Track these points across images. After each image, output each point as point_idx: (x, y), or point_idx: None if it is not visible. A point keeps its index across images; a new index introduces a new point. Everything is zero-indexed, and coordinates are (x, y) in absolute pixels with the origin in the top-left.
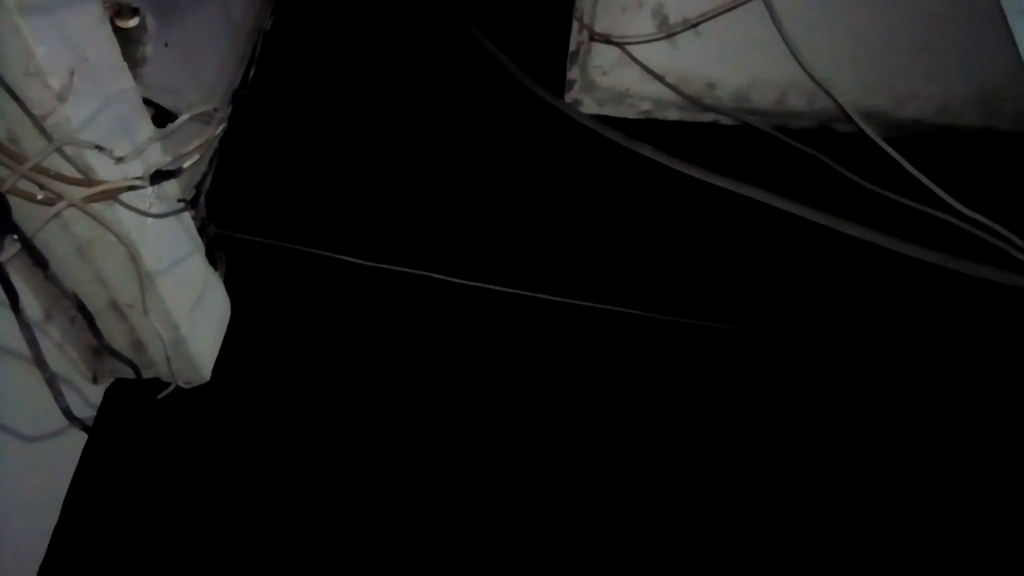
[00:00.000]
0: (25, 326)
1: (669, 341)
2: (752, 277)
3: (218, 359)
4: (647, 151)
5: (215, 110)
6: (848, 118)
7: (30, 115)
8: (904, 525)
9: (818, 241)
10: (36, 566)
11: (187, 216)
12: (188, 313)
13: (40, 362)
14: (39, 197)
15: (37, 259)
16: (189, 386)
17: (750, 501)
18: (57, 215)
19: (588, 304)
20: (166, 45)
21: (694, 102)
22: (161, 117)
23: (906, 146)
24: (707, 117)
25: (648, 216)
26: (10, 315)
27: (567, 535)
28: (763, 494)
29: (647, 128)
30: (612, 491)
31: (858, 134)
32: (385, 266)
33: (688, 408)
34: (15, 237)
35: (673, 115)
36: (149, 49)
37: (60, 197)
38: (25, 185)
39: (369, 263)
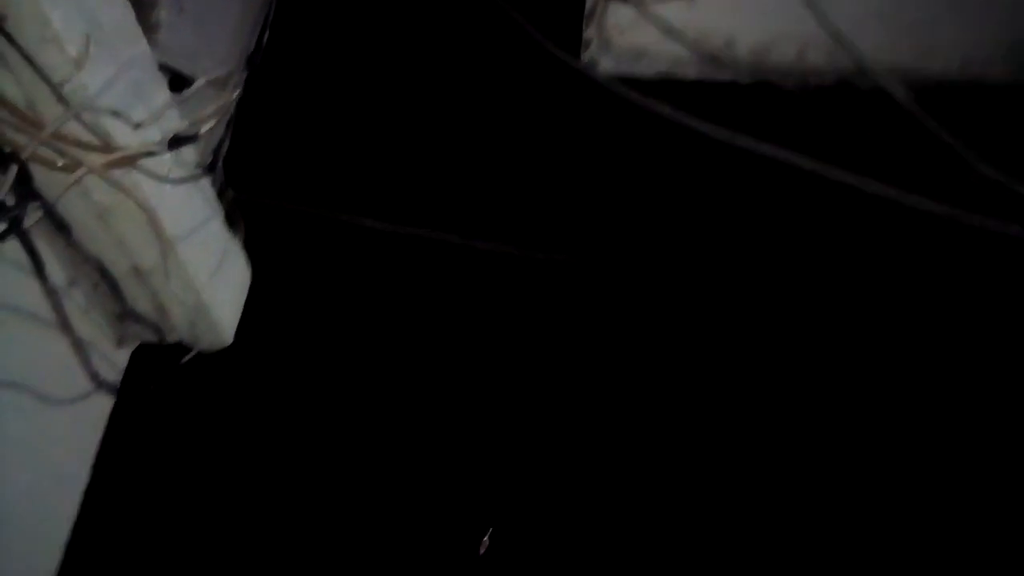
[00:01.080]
0: (50, 292)
1: (690, 301)
2: (772, 237)
3: (240, 323)
4: (665, 111)
5: (230, 75)
6: (869, 74)
7: (47, 82)
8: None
9: (840, 200)
10: (69, 526)
11: (205, 181)
12: (209, 278)
13: (66, 327)
14: (59, 164)
15: (59, 225)
16: (212, 349)
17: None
18: (77, 182)
19: (609, 265)
20: (181, 10)
21: (712, 60)
22: (177, 83)
23: (930, 103)
24: (725, 75)
25: (666, 176)
26: (35, 282)
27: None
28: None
29: (665, 87)
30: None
31: (880, 91)
32: (403, 229)
33: (702, 365)
34: (37, 204)
35: (691, 73)
36: (163, 14)
37: (80, 164)
38: (45, 152)
39: (386, 226)
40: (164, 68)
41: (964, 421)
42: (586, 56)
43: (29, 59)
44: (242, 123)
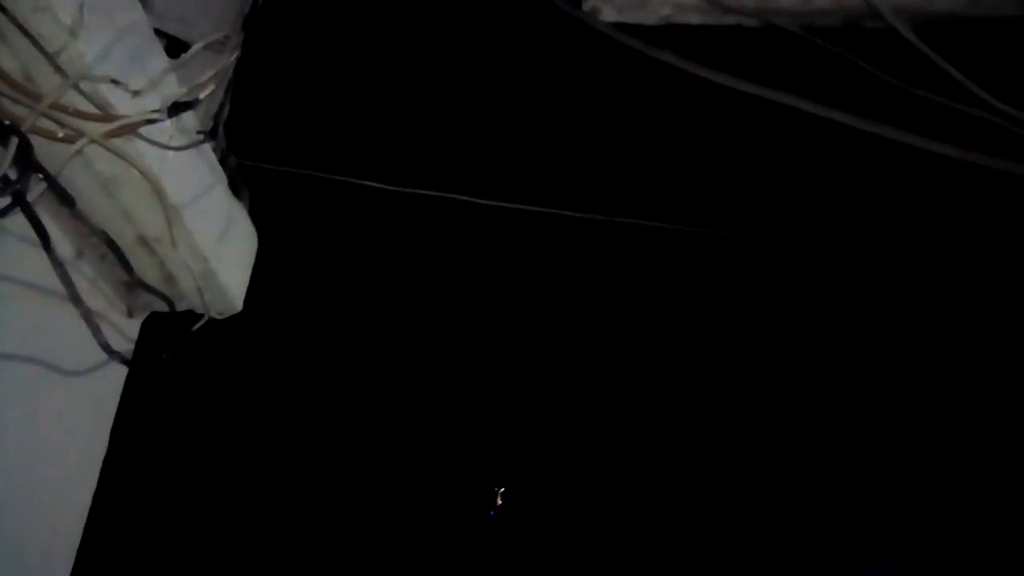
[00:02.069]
0: (58, 264)
1: (697, 252)
2: (781, 182)
3: (248, 288)
4: (668, 57)
5: (228, 38)
6: (876, 14)
7: (43, 52)
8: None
9: (849, 143)
10: (90, 494)
11: (207, 148)
12: (216, 244)
13: (75, 299)
14: (60, 135)
15: (63, 197)
16: (222, 316)
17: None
18: (79, 152)
19: (615, 219)
20: None
21: (716, 4)
22: (173, 47)
23: (938, 41)
24: (730, 20)
25: (672, 124)
26: (42, 254)
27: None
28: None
29: (668, 33)
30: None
31: (887, 30)
32: (407, 189)
33: (714, 316)
34: (40, 176)
35: (695, 19)
36: None
37: (80, 134)
38: (45, 124)
39: (390, 187)
40: (159, 33)
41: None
42: (587, 5)
43: (23, 29)
44: (241, 86)
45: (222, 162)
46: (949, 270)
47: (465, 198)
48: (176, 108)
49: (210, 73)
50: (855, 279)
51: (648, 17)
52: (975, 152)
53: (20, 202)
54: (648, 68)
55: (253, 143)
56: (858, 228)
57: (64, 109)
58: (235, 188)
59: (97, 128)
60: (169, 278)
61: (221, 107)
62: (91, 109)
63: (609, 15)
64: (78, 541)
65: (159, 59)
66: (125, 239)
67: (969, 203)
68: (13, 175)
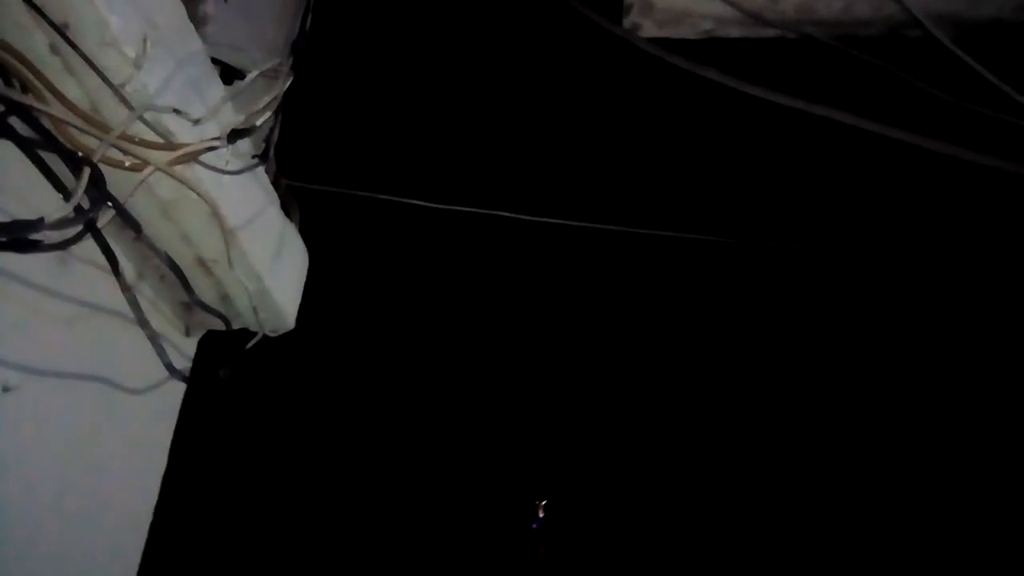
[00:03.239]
0: (126, 288)
1: (742, 265)
2: (829, 197)
3: (301, 306)
4: (712, 74)
5: (280, 65)
6: (918, 23)
7: (109, 84)
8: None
9: (894, 156)
10: (151, 507)
11: (260, 170)
12: (270, 264)
13: (142, 321)
14: (127, 164)
15: (130, 224)
16: (276, 334)
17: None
18: (144, 179)
19: (664, 233)
20: (226, 1)
21: (756, 17)
22: (227, 74)
23: (981, 50)
24: (770, 32)
25: (717, 140)
26: (110, 278)
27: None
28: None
29: (709, 48)
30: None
31: (929, 39)
32: (453, 207)
33: (753, 325)
34: (109, 204)
35: (735, 32)
36: (210, 6)
37: (146, 163)
38: (113, 153)
39: (435, 204)
40: (214, 61)
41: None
42: (628, 21)
43: (91, 63)
44: (290, 110)
45: (274, 183)
46: (989, 279)
47: (509, 214)
48: (234, 135)
49: (266, 100)
50: (899, 289)
51: (689, 32)
52: (1016, 162)
53: (91, 229)
54: (692, 84)
55: (301, 164)
56: (899, 238)
57: (131, 139)
58: (286, 208)
59: (162, 157)
60: (225, 298)
61: (272, 131)
62: (155, 139)
63: (649, 31)
64: (140, 554)
65: (217, 88)
66: (184, 261)
67: (1011, 212)
68: (85, 204)
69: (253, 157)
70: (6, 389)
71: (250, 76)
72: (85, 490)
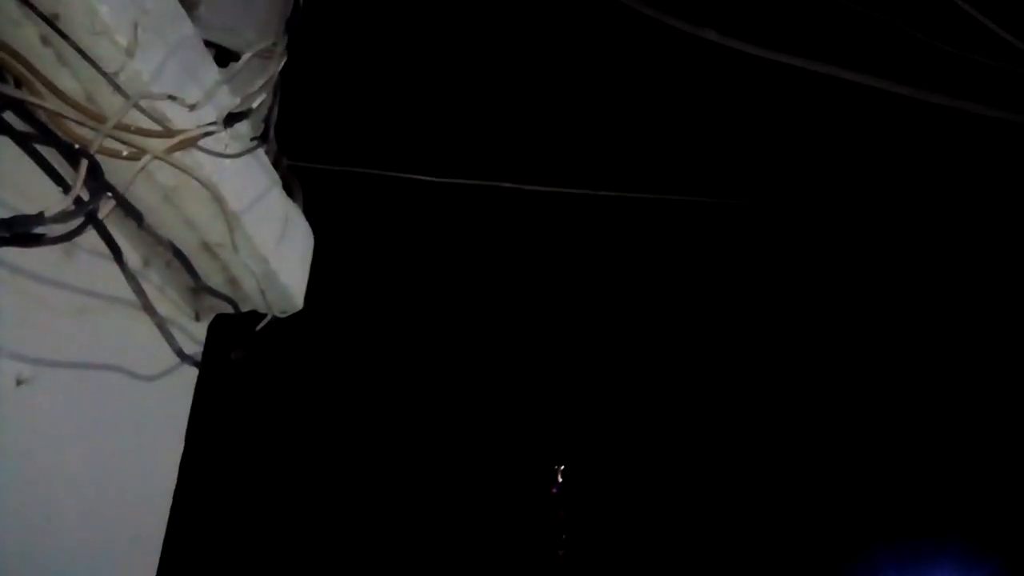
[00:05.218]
0: (130, 276)
1: (748, 228)
2: (833, 156)
3: (308, 285)
4: (711, 35)
5: (275, 44)
6: None
7: (103, 73)
8: None
9: (898, 110)
10: (170, 492)
11: (261, 152)
12: (275, 246)
13: (148, 307)
14: (124, 153)
15: (130, 212)
16: (284, 315)
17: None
18: (143, 168)
19: (665, 197)
20: None
21: None
22: (221, 57)
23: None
24: None
25: (718, 100)
26: (114, 267)
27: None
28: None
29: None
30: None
31: None
32: (454, 180)
33: (774, 293)
34: (109, 195)
35: None
36: None
37: (144, 151)
38: (110, 143)
39: (435, 179)
40: (207, 44)
41: None
42: None
43: (82, 53)
44: (289, 89)
45: (275, 164)
46: (996, 238)
47: (511, 185)
48: (231, 118)
49: (261, 81)
50: (905, 246)
51: None
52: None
53: (92, 220)
54: (692, 45)
55: (303, 143)
56: (910, 196)
57: (127, 128)
58: (288, 188)
59: (159, 144)
60: (232, 281)
61: (270, 111)
62: (152, 126)
63: None
64: (161, 539)
65: (211, 71)
66: (189, 247)
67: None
68: (85, 196)
69: (252, 139)
70: (20, 382)
71: (245, 57)
72: (103, 479)
